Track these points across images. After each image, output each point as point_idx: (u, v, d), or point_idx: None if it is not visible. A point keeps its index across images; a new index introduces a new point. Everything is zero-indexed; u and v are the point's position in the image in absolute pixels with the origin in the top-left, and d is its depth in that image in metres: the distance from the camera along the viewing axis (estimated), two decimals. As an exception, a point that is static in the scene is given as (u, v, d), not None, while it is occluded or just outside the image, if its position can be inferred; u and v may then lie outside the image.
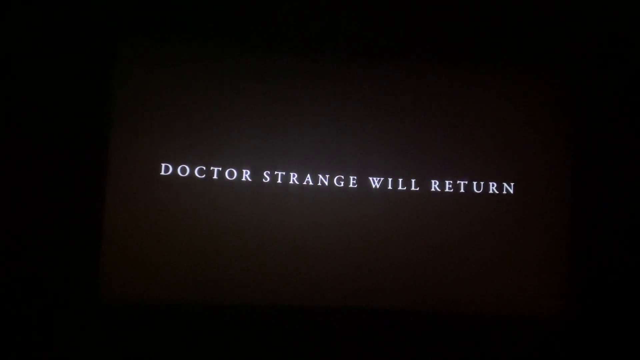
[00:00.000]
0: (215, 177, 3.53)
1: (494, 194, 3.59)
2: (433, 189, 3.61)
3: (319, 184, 3.59)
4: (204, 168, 3.53)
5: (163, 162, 3.48)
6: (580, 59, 3.55)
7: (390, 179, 3.61)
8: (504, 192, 3.60)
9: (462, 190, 3.60)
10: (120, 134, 3.43)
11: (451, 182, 3.61)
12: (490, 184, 3.60)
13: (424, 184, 3.61)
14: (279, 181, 3.57)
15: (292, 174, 3.58)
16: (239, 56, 3.59)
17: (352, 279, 3.50)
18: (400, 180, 3.61)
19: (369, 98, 3.64)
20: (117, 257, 3.37)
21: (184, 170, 3.50)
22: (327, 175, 3.59)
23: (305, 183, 3.58)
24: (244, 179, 3.56)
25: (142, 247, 3.40)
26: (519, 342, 3.39)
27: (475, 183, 3.61)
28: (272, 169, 3.58)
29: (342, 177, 3.60)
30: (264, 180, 3.57)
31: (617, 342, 3.33)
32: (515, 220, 3.57)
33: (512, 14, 3.34)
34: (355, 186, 3.59)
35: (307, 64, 3.63)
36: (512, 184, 3.59)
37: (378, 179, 3.61)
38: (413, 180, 3.61)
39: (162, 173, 3.48)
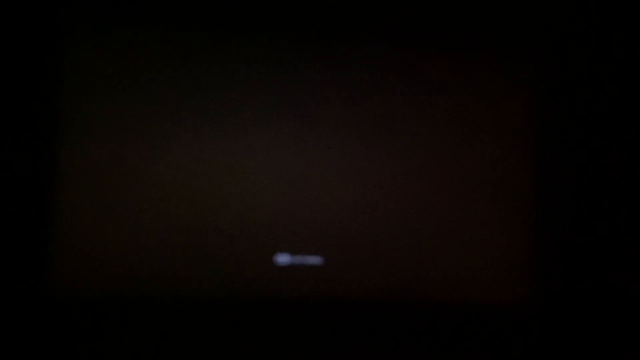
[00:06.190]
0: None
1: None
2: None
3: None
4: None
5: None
6: (546, 42, 3.54)
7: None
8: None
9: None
10: (71, 115, 3.27)
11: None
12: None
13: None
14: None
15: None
16: (198, 40, 3.44)
17: (298, 267, 3.43)
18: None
19: (316, 79, 3.54)
20: (70, 245, 3.23)
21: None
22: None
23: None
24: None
25: (96, 233, 3.27)
26: (482, 329, 3.40)
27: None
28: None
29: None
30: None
31: (582, 330, 3.38)
32: (479, 204, 3.54)
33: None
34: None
35: (278, 48, 3.50)
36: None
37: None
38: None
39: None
